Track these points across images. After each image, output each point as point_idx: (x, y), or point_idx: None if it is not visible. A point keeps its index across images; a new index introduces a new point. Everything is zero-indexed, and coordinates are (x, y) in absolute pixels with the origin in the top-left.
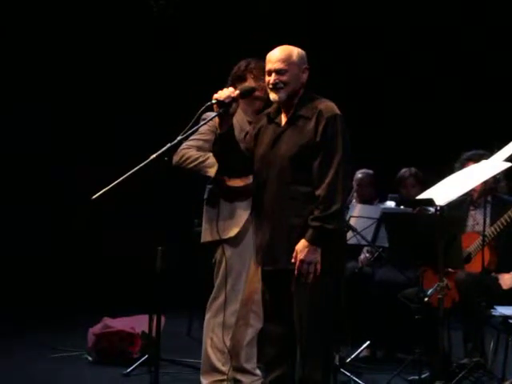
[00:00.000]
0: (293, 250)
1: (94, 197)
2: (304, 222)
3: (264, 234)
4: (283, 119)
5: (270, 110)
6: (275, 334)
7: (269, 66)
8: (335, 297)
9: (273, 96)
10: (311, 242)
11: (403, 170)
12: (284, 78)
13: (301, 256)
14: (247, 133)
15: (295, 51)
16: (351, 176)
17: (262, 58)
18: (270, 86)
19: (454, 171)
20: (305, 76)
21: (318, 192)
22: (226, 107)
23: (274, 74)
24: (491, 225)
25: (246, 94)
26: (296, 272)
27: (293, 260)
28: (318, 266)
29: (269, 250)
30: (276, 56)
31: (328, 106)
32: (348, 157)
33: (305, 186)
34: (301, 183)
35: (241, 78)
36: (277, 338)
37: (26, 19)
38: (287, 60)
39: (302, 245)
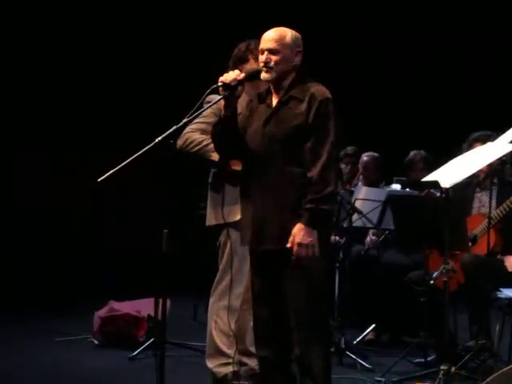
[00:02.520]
0: (284, 230)
1: (99, 179)
2: (296, 202)
3: (255, 213)
4: (274, 100)
5: (260, 90)
6: (264, 317)
7: (262, 44)
8: (325, 278)
9: (263, 75)
10: (307, 224)
11: (413, 153)
12: (275, 57)
13: (297, 239)
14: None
15: (289, 33)
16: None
17: None
18: (261, 65)
19: (462, 152)
20: (297, 59)
21: (311, 174)
22: (231, 90)
23: (266, 53)
24: (497, 207)
25: (253, 77)
26: (294, 256)
27: (289, 244)
28: (316, 249)
29: (260, 229)
30: (270, 36)
31: (320, 89)
32: (340, 140)
33: (296, 166)
34: (292, 164)
35: (242, 60)
36: (266, 320)
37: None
38: (280, 40)
39: (297, 228)
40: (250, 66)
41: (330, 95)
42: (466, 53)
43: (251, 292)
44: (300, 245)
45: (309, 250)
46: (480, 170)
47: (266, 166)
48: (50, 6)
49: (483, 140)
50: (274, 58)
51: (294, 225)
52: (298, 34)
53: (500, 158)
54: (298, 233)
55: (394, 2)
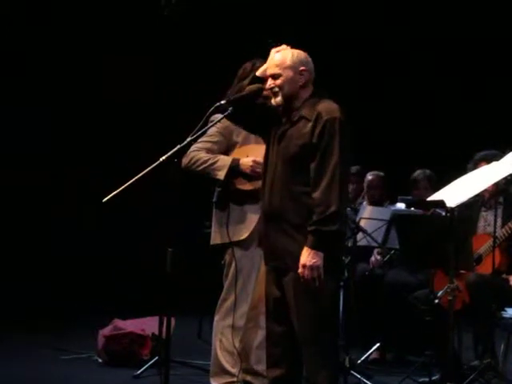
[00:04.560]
0: (293, 249)
1: (104, 199)
2: (304, 222)
3: (267, 231)
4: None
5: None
6: (277, 334)
7: (267, 71)
8: (333, 300)
9: (272, 100)
10: (311, 246)
11: (417, 172)
12: (278, 82)
13: (302, 261)
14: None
15: (290, 54)
16: (348, 178)
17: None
18: (269, 92)
19: (467, 171)
20: (303, 78)
21: (315, 195)
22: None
23: (269, 79)
24: (502, 226)
25: (254, 94)
26: (301, 278)
27: (299, 270)
28: (321, 271)
29: (271, 247)
30: (271, 61)
31: (329, 107)
32: (345, 160)
33: (303, 186)
34: (299, 183)
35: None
36: (279, 337)
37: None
38: (281, 65)
39: (304, 250)
40: None
41: (338, 114)
42: (469, 70)
43: (265, 307)
44: (304, 266)
45: (313, 272)
46: (485, 190)
47: (277, 184)
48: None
49: (489, 159)
50: (276, 82)
51: (297, 244)
52: (301, 54)
53: (505, 178)
54: (303, 254)
55: (396, 15)
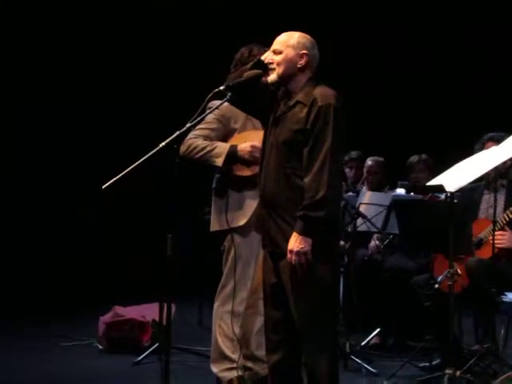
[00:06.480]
0: (288, 234)
1: (104, 186)
2: (298, 207)
3: (264, 216)
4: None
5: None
6: (275, 319)
7: (271, 47)
8: (330, 285)
9: (268, 78)
10: (299, 231)
11: (413, 156)
12: (276, 58)
13: (289, 246)
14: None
15: (296, 35)
16: (341, 165)
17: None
18: (267, 65)
19: (475, 152)
20: (303, 61)
21: (305, 180)
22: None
23: (270, 53)
24: (505, 209)
25: (253, 80)
26: (289, 263)
27: (288, 255)
28: (309, 257)
29: (267, 231)
30: (277, 39)
31: (325, 93)
32: (338, 147)
33: (297, 170)
34: (293, 168)
35: (245, 65)
36: (277, 322)
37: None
38: (284, 42)
39: (292, 235)
40: None
41: (333, 101)
42: (469, 56)
43: (262, 293)
44: (291, 252)
45: (301, 258)
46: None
47: (273, 169)
48: None
49: (497, 140)
50: (275, 58)
51: (291, 228)
52: (306, 38)
53: (504, 162)
54: (291, 240)
55: (397, 3)
